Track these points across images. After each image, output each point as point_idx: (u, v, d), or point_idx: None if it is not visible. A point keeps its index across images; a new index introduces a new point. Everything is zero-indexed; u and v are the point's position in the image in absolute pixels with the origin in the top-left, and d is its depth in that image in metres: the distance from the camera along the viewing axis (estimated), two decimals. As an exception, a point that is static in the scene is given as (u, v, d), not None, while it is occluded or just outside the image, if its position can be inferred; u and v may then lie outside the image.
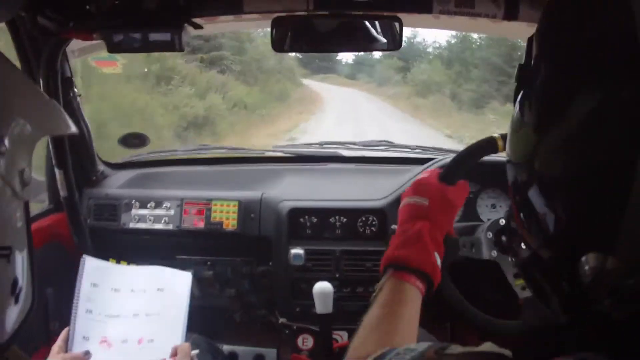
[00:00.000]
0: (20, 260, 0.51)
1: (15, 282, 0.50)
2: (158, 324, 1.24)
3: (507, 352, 0.52)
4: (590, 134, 0.43)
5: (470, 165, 1.09)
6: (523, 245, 0.56)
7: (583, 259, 0.43)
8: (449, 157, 1.50)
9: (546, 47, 0.50)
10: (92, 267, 1.29)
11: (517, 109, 0.54)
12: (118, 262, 1.37)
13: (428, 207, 0.91)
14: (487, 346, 0.56)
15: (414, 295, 0.83)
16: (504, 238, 1.07)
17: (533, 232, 0.51)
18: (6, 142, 0.48)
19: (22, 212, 0.52)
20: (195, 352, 1.19)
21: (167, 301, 1.28)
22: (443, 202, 0.93)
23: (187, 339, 1.24)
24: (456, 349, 0.57)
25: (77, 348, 1.17)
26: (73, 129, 0.60)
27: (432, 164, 1.54)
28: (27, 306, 0.53)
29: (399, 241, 0.88)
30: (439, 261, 0.89)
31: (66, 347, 1.17)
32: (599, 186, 0.43)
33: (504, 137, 1.08)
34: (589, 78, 0.44)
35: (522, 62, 0.55)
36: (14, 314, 0.50)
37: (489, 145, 1.07)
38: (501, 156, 1.42)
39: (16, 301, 0.50)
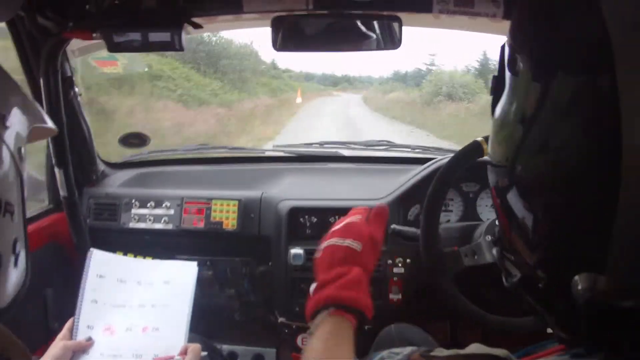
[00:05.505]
0: (18, 223, 0.53)
1: (15, 242, 0.52)
2: (164, 314, 1.24)
3: (498, 352, 0.51)
4: (570, 143, 0.43)
5: (460, 172, 1.14)
6: (514, 268, 0.56)
7: (575, 278, 0.43)
8: (448, 157, 1.50)
9: (519, 49, 0.50)
10: (98, 259, 1.29)
11: (498, 118, 0.54)
12: (125, 255, 1.36)
13: (361, 252, 0.91)
14: (475, 347, 0.55)
15: (351, 333, 0.85)
16: (494, 252, 1.08)
17: (524, 254, 0.52)
18: (9, 119, 0.50)
19: (19, 183, 0.53)
20: (204, 353, 1.18)
21: (174, 293, 1.28)
22: (373, 246, 0.94)
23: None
24: (442, 352, 0.57)
25: (81, 336, 1.18)
26: (51, 125, 0.61)
27: (432, 164, 1.54)
28: (23, 273, 0.54)
29: (341, 283, 0.88)
30: None
31: (70, 336, 1.17)
32: (584, 202, 0.43)
33: (487, 139, 1.11)
34: (562, 75, 0.44)
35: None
36: (13, 277, 0.52)
37: (474, 150, 1.13)
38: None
39: (15, 263, 0.52)
